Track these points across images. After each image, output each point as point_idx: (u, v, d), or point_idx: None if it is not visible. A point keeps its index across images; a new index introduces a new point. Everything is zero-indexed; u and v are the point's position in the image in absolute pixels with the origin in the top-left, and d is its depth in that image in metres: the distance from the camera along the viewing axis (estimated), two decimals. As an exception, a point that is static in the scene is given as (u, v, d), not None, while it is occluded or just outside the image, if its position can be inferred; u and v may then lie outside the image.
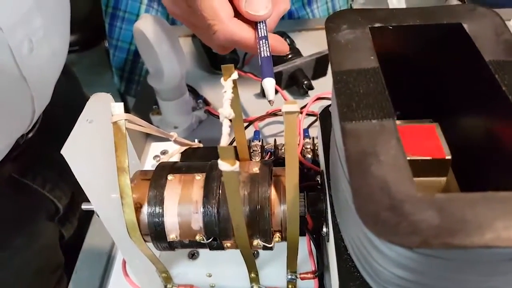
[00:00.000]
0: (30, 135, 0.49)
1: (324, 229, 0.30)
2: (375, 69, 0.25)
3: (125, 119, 0.30)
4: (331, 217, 0.28)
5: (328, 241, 0.30)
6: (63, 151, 0.25)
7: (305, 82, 0.60)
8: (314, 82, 0.61)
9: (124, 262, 0.37)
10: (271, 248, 0.31)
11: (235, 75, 0.30)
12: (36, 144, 0.51)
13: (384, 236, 0.18)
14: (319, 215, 0.32)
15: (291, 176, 0.28)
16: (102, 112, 0.29)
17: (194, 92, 0.62)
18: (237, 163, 0.24)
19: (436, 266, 0.21)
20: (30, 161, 0.51)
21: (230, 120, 0.27)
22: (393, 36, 0.28)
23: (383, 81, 0.25)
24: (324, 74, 0.65)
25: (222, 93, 0.29)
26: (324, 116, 0.35)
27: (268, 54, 0.35)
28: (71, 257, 0.56)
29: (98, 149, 0.28)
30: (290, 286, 0.37)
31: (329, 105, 0.36)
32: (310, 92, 0.61)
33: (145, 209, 0.30)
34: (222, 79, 0.30)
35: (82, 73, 0.71)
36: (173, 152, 0.51)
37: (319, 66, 0.63)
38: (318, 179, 0.33)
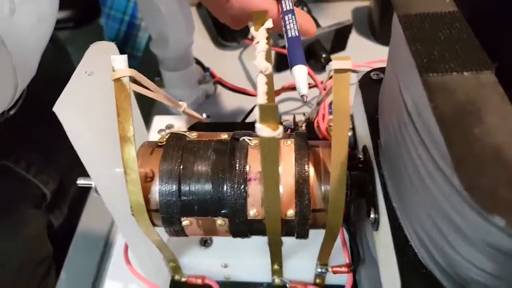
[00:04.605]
0: (12, 112, 0.43)
1: (372, 215, 0.25)
2: (455, 13, 0.20)
3: (130, 76, 0.24)
4: (384, 201, 0.23)
5: (376, 229, 0.25)
6: (56, 108, 0.20)
7: (324, 56, 0.55)
8: (332, 57, 0.56)
9: (126, 249, 0.32)
10: (305, 236, 0.26)
11: (269, 23, 0.24)
12: (19, 123, 0.44)
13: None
14: (363, 197, 0.27)
15: (338, 151, 0.22)
16: (105, 64, 0.23)
17: (200, 65, 0.56)
18: (280, 127, 0.19)
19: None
20: (12, 141, 0.45)
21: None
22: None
23: (468, 27, 0.19)
24: (343, 48, 0.59)
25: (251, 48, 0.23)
26: (365, 84, 0.30)
27: (297, 34, 0.27)
28: (61, 247, 0.50)
29: (100, 109, 0.22)
30: (318, 280, 0.33)
31: (369, 71, 0.31)
32: (327, 67, 0.56)
33: (156, 187, 0.25)
34: (252, 28, 0.25)
35: (76, 51, 0.64)
36: (179, 127, 0.45)
37: (338, 38, 0.57)
38: (360, 156, 0.28)
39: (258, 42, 0.23)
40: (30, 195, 0.48)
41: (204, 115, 0.45)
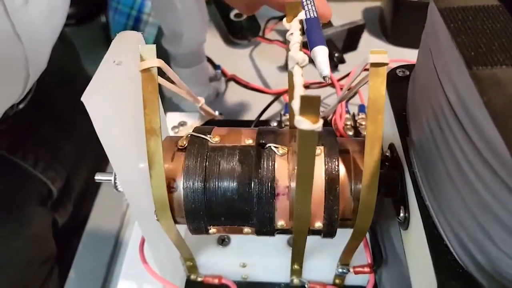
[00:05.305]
0: (21, 106, 0.42)
1: (402, 214, 0.24)
2: (498, 7, 0.20)
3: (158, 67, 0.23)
4: (417, 199, 0.23)
5: (406, 228, 0.25)
6: (84, 98, 0.19)
7: (336, 55, 0.54)
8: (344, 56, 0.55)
9: (141, 248, 0.31)
10: (332, 235, 0.25)
11: (302, 14, 0.24)
12: (27, 117, 0.43)
13: None
14: (390, 196, 0.26)
15: (372, 149, 0.22)
16: (132, 54, 0.22)
17: (210, 62, 0.56)
18: (321, 120, 0.18)
19: None
20: (20, 136, 0.44)
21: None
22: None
23: (513, 20, 0.19)
24: (354, 47, 0.59)
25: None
26: (391, 81, 0.29)
27: (315, 15, 0.26)
28: (65, 246, 0.49)
29: (128, 101, 0.22)
30: (337, 280, 0.32)
31: (394, 68, 0.31)
32: (340, 66, 0.55)
33: (181, 198, 0.24)
34: (284, 20, 0.24)
35: (78, 48, 0.64)
36: (193, 124, 0.45)
37: (351, 38, 0.57)
38: (387, 154, 0.27)
39: (292, 33, 0.22)
40: (36, 192, 0.47)
41: (217, 113, 0.45)
